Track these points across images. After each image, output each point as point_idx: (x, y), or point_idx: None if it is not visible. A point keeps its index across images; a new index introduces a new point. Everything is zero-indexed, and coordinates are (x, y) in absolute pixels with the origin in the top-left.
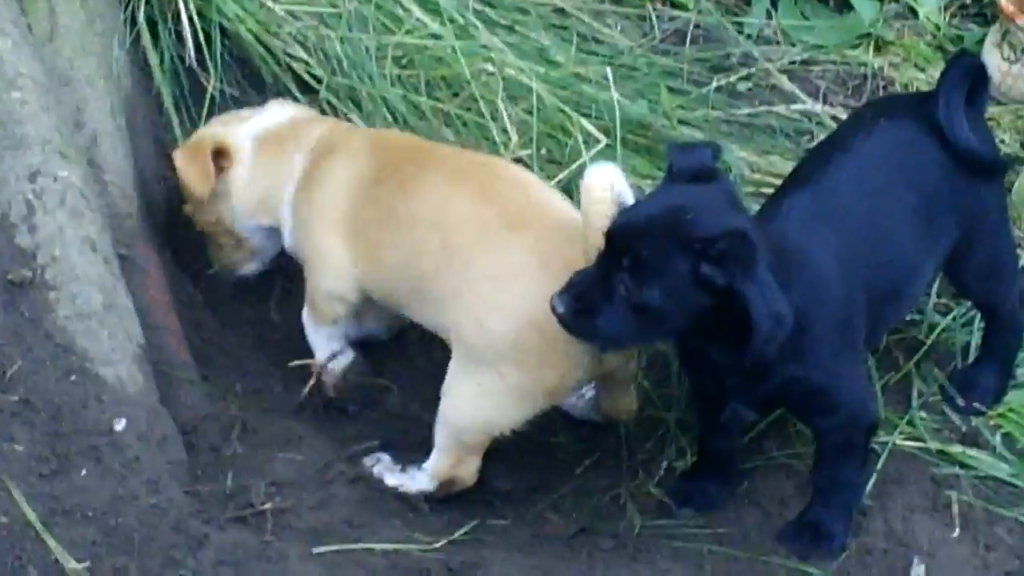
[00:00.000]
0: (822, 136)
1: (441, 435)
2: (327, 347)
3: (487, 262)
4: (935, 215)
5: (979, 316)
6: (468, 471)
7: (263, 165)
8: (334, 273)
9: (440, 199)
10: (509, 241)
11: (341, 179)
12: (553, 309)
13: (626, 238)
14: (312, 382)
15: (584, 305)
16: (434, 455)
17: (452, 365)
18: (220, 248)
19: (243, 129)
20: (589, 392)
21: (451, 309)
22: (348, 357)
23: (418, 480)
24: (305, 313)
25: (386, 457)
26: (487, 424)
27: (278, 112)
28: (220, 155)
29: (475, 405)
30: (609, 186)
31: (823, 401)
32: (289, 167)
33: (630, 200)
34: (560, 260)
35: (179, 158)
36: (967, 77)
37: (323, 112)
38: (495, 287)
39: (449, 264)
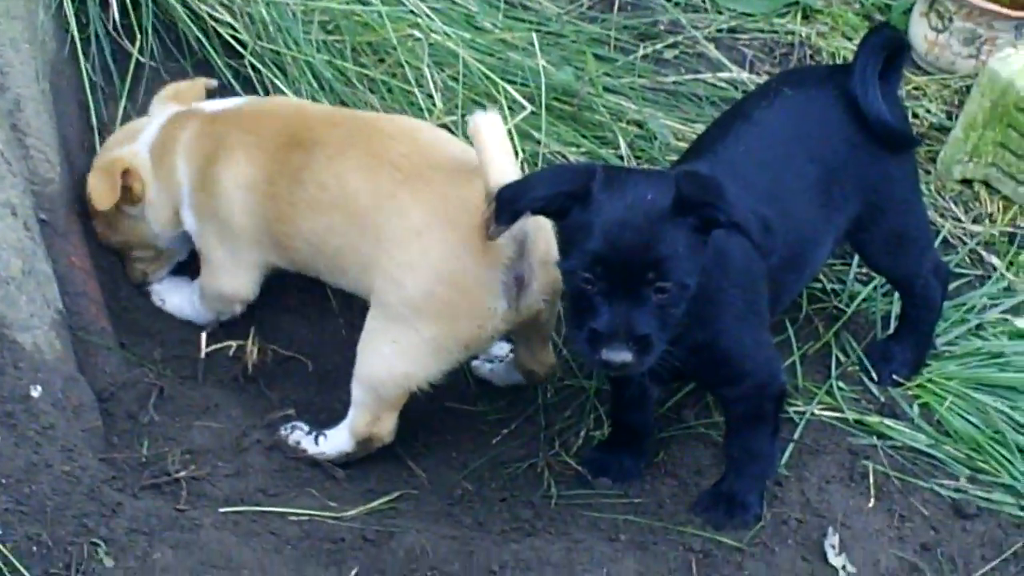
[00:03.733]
0: None
1: (358, 391)
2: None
3: (391, 226)
4: (837, 187)
5: None
6: (386, 428)
7: (161, 176)
8: (233, 282)
9: (333, 177)
10: (407, 200)
11: (232, 188)
12: (622, 367)
13: (632, 255)
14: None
15: (644, 343)
16: (351, 412)
17: (368, 324)
18: (136, 262)
19: (139, 145)
20: (506, 353)
21: (368, 276)
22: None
23: (336, 441)
24: (197, 294)
25: (302, 425)
26: (405, 378)
27: (157, 116)
28: (129, 176)
29: (392, 360)
30: (498, 129)
31: (729, 369)
32: (177, 174)
33: (509, 152)
34: (461, 208)
35: (92, 180)
36: (885, 49)
37: (248, 79)
38: (404, 248)
39: (359, 236)
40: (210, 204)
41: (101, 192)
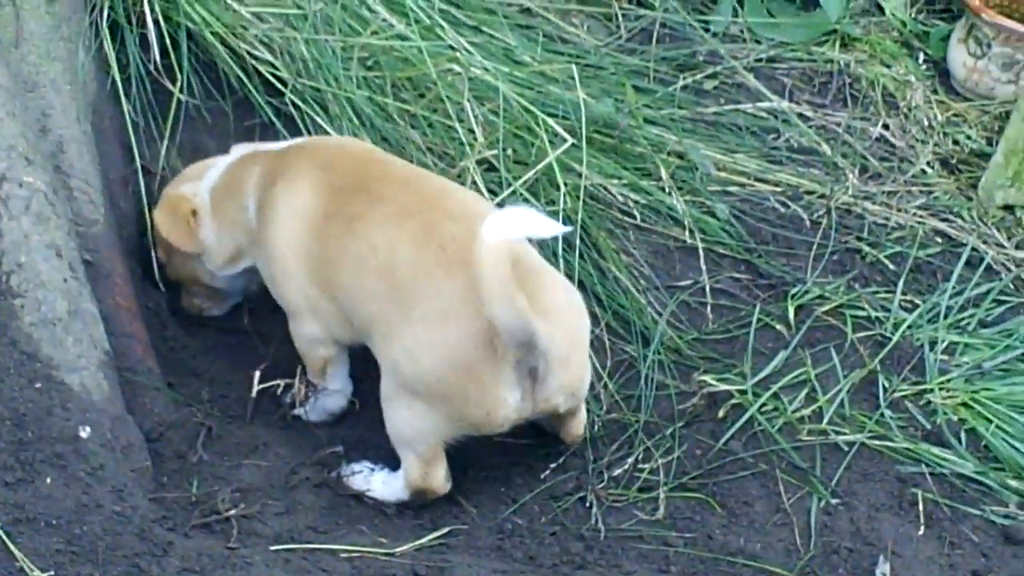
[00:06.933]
0: (788, 134)
1: (397, 448)
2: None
3: (423, 305)
4: None
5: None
6: (438, 480)
7: (222, 217)
8: (308, 317)
9: (386, 241)
10: (443, 282)
11: (287, 216)
12: None
13: None
14: (295, 394)
15: None
16: (403, 466)
17: (384, 389)
18: (194, 295)
19: (203, 184)
20: None
21: (388, 346)
22: (342, 397)
23: (394, 487)
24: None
25: (358, 467)
26: (430, 435)
27: (230, 157)
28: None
29: (413, 423)
30: (508, 248)
31: None
32: (246, 213)
33: (544, 233)
34: None
35: (160, 218)
36: None
37: (289, 117)
38: (428, 327)
39: (393, 306)
40: (266, 238)
41: (179, 239)
